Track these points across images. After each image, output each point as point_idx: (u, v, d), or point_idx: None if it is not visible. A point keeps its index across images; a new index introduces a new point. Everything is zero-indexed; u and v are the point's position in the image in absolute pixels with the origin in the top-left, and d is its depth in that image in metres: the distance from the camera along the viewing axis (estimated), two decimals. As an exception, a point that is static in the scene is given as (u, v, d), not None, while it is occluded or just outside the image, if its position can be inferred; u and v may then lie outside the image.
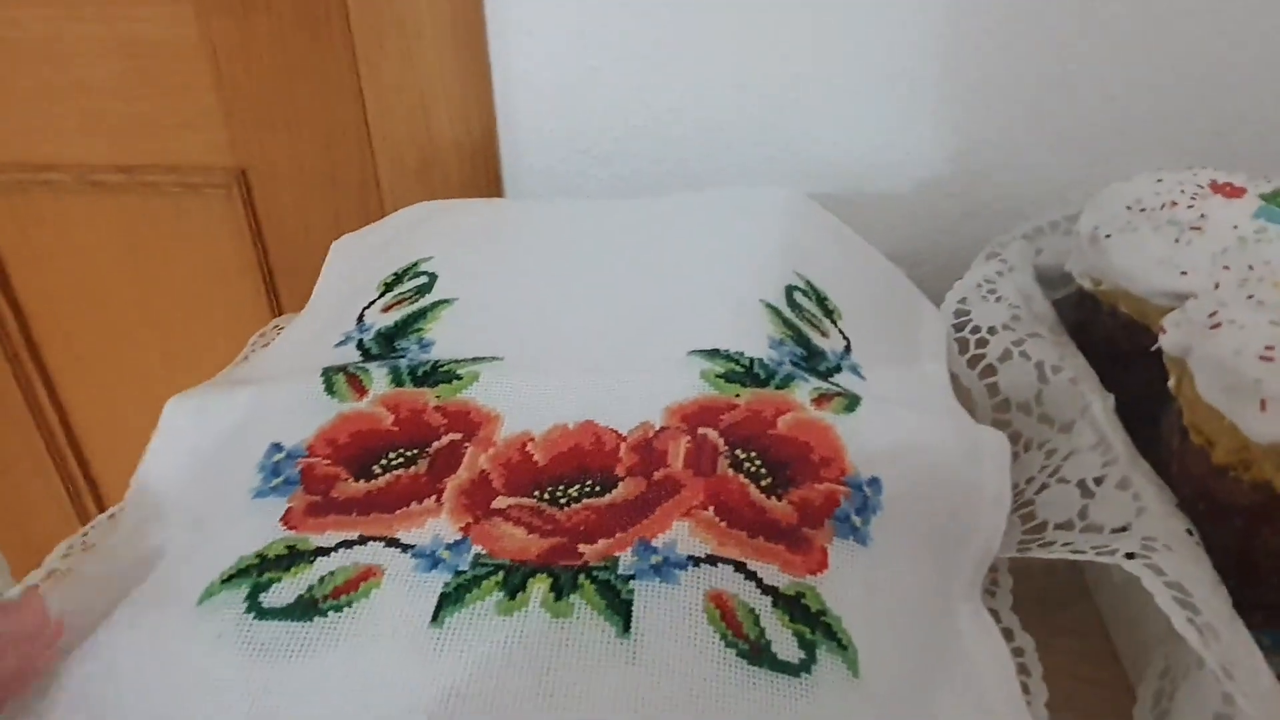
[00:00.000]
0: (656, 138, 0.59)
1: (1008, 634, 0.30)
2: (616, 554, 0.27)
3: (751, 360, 0.34)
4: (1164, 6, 0.51)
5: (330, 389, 0.33)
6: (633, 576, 0.26)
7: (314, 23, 0.59)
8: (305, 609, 0.25)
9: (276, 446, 0.31)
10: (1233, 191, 0.40)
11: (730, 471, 0.29)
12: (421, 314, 0.38)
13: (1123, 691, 0.34)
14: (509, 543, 0.27)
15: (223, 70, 0.62)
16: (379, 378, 0.34)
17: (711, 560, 0.26)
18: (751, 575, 0.26)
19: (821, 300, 0.40)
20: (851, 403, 0.32)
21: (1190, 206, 0.39)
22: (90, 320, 0.75)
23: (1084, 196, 0.44)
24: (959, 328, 0.43)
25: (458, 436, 0.31)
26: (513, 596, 0.25)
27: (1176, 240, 0.38)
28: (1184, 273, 0.37)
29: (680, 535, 0.27)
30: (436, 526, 0.28)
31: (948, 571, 0.30)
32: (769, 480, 0.29)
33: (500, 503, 0.29)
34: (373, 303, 0.40)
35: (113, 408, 0.80)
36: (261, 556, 0.27)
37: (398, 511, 0.28)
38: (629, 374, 0.33)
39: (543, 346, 0.36)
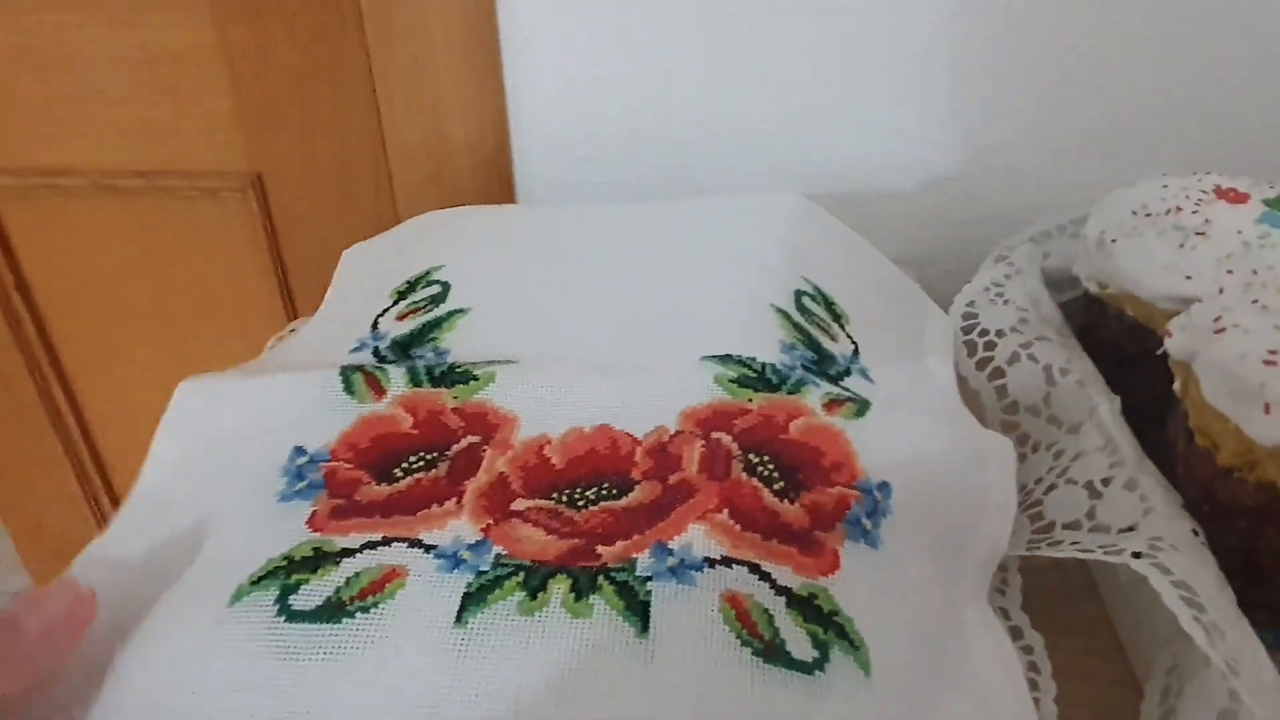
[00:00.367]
0: (664, 144, 0.59)
1: (1017, 632, 0.30)
2: (634, 556, 0.27)
3: (764, 365, 0.34)
4: (1169, 13, 0.51)
5: (349, 388, 0.34)
6: (650, 578, 0.26)
7: (328, 29, 0.60)
8: (333, 611, 0.26)
9: (300, 450, 0.32)
10: (1237, 197, 0.40)
11: (744, 475, 0.30)
12: (436, 323, 0.38)
13: (1130, 688, 0.35)
14: (528, 544, 0.28)
15: (238, 76, 0.62)
16: (396, 377, 0.34)
17: (727, 562, 0.27)
18: (766, 576, 0.27)
19: (829, 304, 0.40)
20: (861, 408, 0.33)
21: (1195, 212, 0.40)
22: (106, 323, 0.76)
23: (1090, 200, 0.44)
24: (967, 330, 0.43)
25: (476, 439, 0.32)
26: (534, 597, 0.26)
27: (1181, 245, 0.38)
28: (1189, 277, 0.37)
29: (696, 538, 0.27)
30: (457, 528, 0.28)
31: (955, 574, 0.31)
32: (781, 484, 0.30)
33: (519, 505, 0.29)
34: (386, 310, 0.40)
35: (128, 410, 0.81)
36: (289, 558, 0.27)
37: (419, 513, 0.29)
38: (643, 378, 0.34)
39: (556, 351, 0.36)
